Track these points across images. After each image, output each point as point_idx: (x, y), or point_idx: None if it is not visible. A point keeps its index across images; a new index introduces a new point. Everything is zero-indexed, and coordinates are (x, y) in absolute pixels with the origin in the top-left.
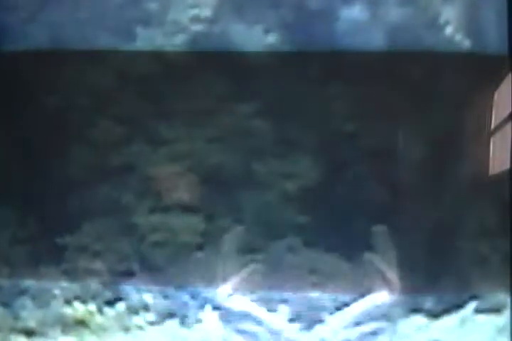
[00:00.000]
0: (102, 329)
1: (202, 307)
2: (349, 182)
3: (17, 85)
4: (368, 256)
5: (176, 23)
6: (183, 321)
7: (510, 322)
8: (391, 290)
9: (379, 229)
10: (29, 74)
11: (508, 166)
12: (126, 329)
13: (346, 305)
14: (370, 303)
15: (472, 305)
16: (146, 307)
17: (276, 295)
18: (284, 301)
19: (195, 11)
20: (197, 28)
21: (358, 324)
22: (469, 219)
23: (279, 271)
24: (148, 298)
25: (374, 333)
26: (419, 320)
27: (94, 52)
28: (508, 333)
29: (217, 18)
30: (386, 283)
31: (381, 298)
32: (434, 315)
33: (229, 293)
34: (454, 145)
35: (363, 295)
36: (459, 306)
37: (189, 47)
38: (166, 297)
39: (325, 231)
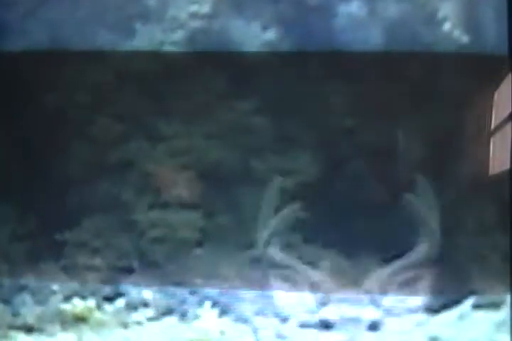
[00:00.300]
0: (101, 325)
1: (201, 303)
2: (348, 179)
3: (17, 84)
4: (408, 197)
5: (175, 20)
6: (182, 317)
7: (510, 318)
8: (431, 235)
9: (420, 177)
10: (29, 73)
11: (508, 166)
12: (125, 325)
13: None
14: (412, 257)
15: (471, 301)
16: (145, 304)
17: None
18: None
19: (194, 8)
20: (196, 24)
21: (399, 273)
22: (469, 217)
23: None
24: (147, 294)
25: (414, 279)
26: (418, 315)
27: (93, 51)
28: (506, 329)
29: (216, 15)
30: (426, 228)
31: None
32: (433, 310)
33: (267, 239)
34: (453, 144)
35: (406, 250)
36: (457, 302)
37: (188, 43)
38: (165, 293)
39: (324, 228)
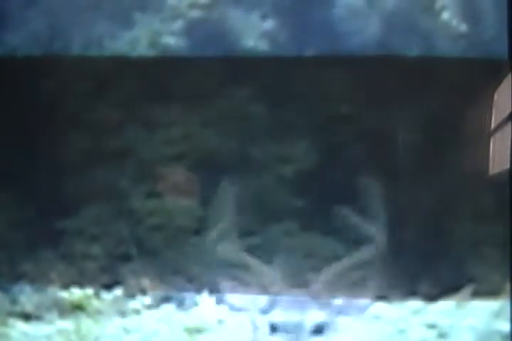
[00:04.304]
0: (99, 313)
1: (198, 291)
2: (345, 166)
3: (15, 72)
4: (343, 210)
5: (174, 9)
6: (180, 305)
7: (510, 306)
8: (374, 243)
9: (365, 181)
10: (27, 62)
11: (508, 166)
12: (123, 313)
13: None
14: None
15: (469, 289)
16: (142, 292)
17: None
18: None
19: None
20: (194, 13)
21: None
22: (466, 204)
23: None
24: (145, 282)
25: (363, 279)
26: (415, 303)
27: (93, 39)
28: (504, 317)
29: (215, 4)
30: (368, 237)
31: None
32: (431, 298)
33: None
34: (453, 143)
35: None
36: (455, 290)
37: (187, 33)
38: (162, 281)
39: (321, 214)
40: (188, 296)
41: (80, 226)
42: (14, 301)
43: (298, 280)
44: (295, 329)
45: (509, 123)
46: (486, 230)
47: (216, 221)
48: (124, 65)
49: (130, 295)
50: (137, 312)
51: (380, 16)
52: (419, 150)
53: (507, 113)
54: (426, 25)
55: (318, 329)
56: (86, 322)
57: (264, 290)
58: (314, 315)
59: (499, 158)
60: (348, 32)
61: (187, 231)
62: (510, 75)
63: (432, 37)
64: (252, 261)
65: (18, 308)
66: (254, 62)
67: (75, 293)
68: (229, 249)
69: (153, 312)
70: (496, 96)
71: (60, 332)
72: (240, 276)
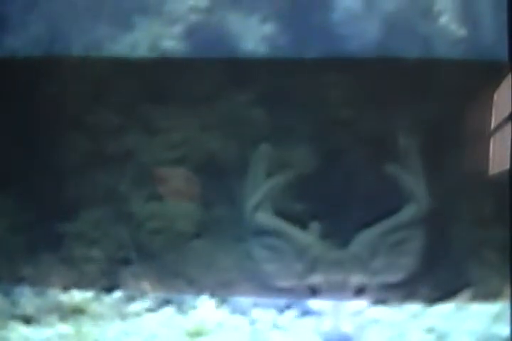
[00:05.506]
0: (99, 316)
1: (198, 294)
2: (345, 170)
3: (16, 75)
4: (391, 169)
5: (173, 13)
6: (180, 308)
7: (510, 309)
8: (418, 203)
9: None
10: (27, 63)
11: (508, 166)
12: (123, 316)
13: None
14: (398, 219)
15: (468, 292)
16: (143, 295)
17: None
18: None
19: (192, 1)
20: (194, 17)
21: (386, 235)
22: (466, 206)
23: None
24: (145, 285)
25: (402, 241)
26: (414, 306)
27: (93, 43)
28: (503, 321)
29: (214, 8)
30: (413, 196)
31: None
32: (430, 301)
33: (254, 208)
34: (453, 143)
35: (392, 212)
36: (454, 293)
37: (186, 37)
38: (162, 284)
39: (321, 218)
40: (188, 299)
41: (80, 230)
42: (14, 304)
43: (337, 243)
44: (336, 291)
45: (509, 124)
46: (485, 232)
47: (252, 190)
48: (124, 68)
49: (130, 298)
50: (137, 315)
51: (379, 19)
52: (420, 151)
53: (507, 113)
54: (425, 28)
55: (360, 291)
56: (86, 326)
57: (301, 255)
58: (355, 277)
59: (499, 158)
60: (347, 35)
61: (187, 235)
62: (510, 76)
63: (431, 40)
64: (288, 227)
65: (18, 311)
66: (254, 65)
67: (75, 296)
68: (265, 217)
69: (154, 315)
70: (495, 97)
71: (61, 335)
72: (276, 245)
